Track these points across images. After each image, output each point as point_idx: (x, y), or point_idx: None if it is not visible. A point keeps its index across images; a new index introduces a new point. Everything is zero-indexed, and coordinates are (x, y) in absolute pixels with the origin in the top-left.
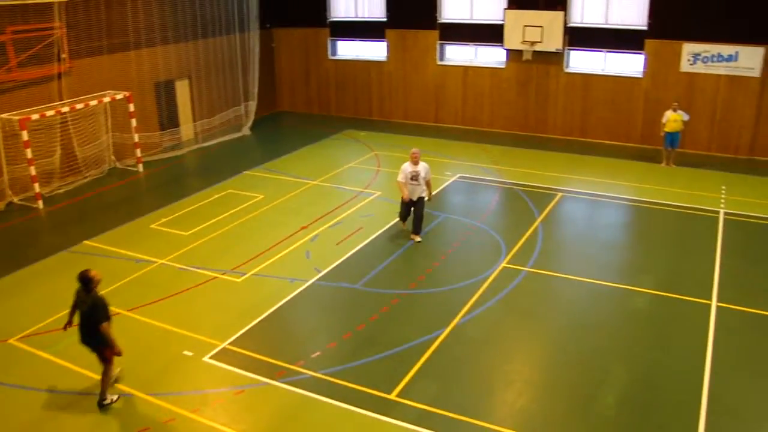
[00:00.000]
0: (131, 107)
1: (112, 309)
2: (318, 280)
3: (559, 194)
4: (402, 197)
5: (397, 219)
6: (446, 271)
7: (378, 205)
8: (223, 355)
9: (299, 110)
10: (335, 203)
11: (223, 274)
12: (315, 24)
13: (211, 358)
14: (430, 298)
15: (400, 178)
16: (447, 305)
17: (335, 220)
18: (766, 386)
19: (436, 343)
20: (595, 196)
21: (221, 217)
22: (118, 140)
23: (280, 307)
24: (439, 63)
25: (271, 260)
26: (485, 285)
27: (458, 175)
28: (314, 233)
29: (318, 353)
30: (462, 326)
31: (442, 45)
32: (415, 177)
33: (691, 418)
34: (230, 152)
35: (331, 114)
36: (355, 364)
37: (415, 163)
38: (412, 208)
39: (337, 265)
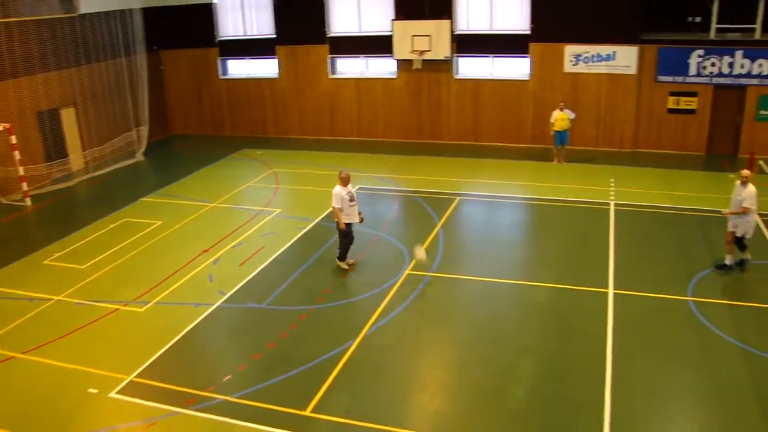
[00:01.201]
0: (13, 139)
1: (5, 353)
2: (223, 302)
3: (457, 198)
4: (339, 227)
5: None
6: (352, 282)
7: (279, 223)
8: (130, 389)
9: (193, 132)
10: (236, 224)
11: (124, 305)
12: (203, 44)
13: (118, 393)
14: (338, 310)
15: (336, 203)
16: (355, 316)
17: (237, 241)
18: (665, 365)
19: (347, 355)
20: (491, 198)
21: (119, 246)
22: (1, 174)
23: (187, 333)
24: (331, 77)
25: (173, 287)
26: (391, 293)
27: (357, 187)
28: (216, 256)
29: (229, 377)
30: (371, 336)
31: (333, 59)
32: (352, 198)
33: (597, 403)
34: (124, 180)
35: (225, 134)
36: (267, 384)
37: (347, 183)
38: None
39: (242, 286)
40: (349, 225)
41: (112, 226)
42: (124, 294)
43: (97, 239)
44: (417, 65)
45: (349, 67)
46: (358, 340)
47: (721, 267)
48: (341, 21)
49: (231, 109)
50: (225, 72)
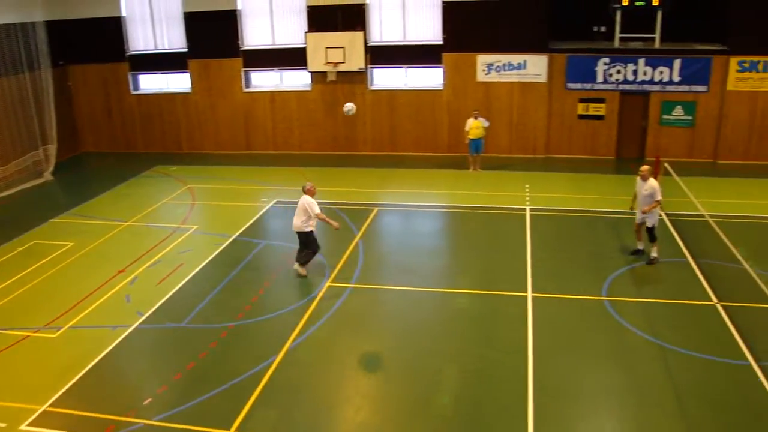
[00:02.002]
0: None
1: None
2: (141, 323)
3: (376, 209)
4: (335, 228)
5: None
6: (272, 297)
7: (196, 240)
8: (43, 420)
9: (104, 150)
10: (152, 242)
11: (35, 331)
12: (113, 59)
13: (29, 425)
14: (259, 326)
15: (318, 209)
16: (277, 331)
17: (153, 260)
18: (584, 364)
19: (270, 371)
20: (409, 207)
21: (28, 270)
22: None
23: (104, 357)
24: (246, 90)
25: (88, 310)
26: (312, 306)
27: (275, 201)
28: (133, 276)
29: (149, 399)
30: (294, 350)
31: (246, 72)
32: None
33: (521, 405)
34: (32, 200)
35: (138, 151)
36: (189, 405)
37: (313, 194)
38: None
39: (160, 306)
40: (311, 232)
41: (20, 249)
42: (35, 320)
43: (3, 263)
44: (331, 77)
45: (264, 80)
46: (281, 355)
47: (636, 252)
48: (255, 34)
49: (143, 125)
50: (136, 87)
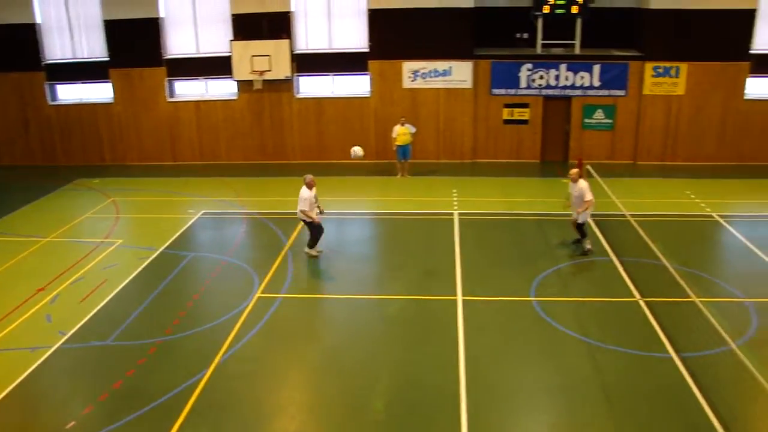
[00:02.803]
0: None
1: None
2: (64, 343)
3: None
4: (313, 222)
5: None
6: (201, 310)
7: (121, 254)
8: None
9: (21, 163)
10: (74, 258)
11: None
12: (28, 68)
13: None
14: (189, 340)
15: (305, 206)
16: (207, 344)
17: (76, 276)
18: (515, 365)
19: (201, 386)
20: (339, 215)
21: None
22: None
23: (23, 381)
24: (170, 100)
25: (5, 331)
26: (242, 318)
27: (202, 212)
28: (54, 294)
29: (73, 423)
30: (225, 363)
31: (170, 81)
32: (315, 200)
33: (453, 407)
34: None
35: (58, 164)
36: (116, 426)
37: (312, 187)
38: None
39: (83, 324)
40: (309, 222)
41: None
42: None
43: None
44: (257, 86)
45: (188, 89)
46: (212, 369)
47: (577, 241)
48: (178, 43)
49: (63, 136)
50: (54, 97)
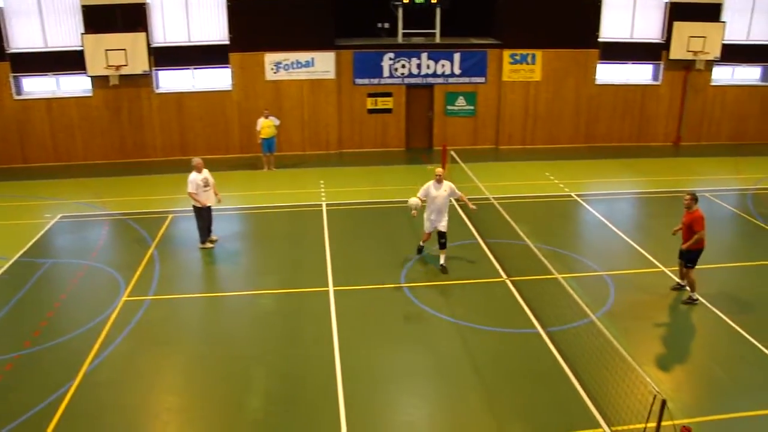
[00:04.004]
0: None
1: None
2: None
3: (170, 216)
4: (200, 206)
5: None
6: (63, 319)
7: None
8: None
9: None
10: None
11: None
12: None
13: None
14: (51, 352)
15: (192, 188)
16: (71, 355)
17: None
18: (390, 351)
19: (67, 399)
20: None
21: None
22: None
23: None
24: (17, 98)
25: None
26: (109, 324)
27: (60, 216)
28: None
29: None
30: (93, 372)
31: (17, 78)
32: (207, 183)
33: (331, 398)
34: None
35: None
36: None
37: (201, 170)
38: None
39: None
40: (208, 208)
41: None
42: None
43: None
44: (114, 81)
45: (38, 86)
46: (78, 380)
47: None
48: (23, 36)
49: None
50: None
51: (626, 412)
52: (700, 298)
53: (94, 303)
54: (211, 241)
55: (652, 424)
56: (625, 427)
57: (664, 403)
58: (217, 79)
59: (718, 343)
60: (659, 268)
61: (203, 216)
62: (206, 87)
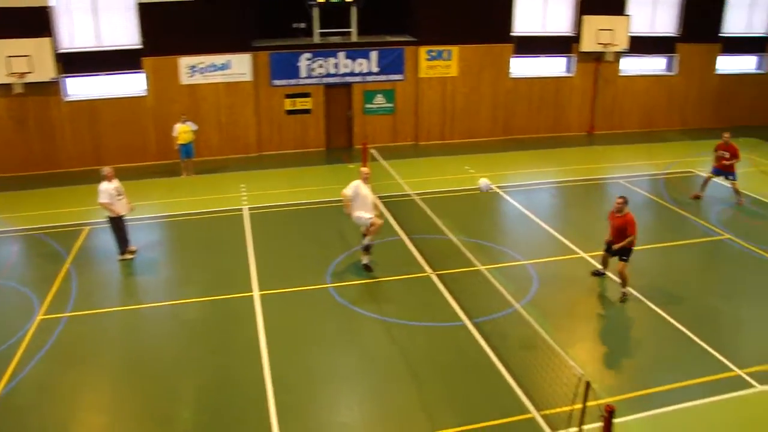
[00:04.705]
0: None
1: None
2: None
3: (87, 228)
4: (115, 216)
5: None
6: None
7: None
8: None
9: None
10: None
11: None
12: None
13: None
14: None
15: (104, 199)
16: None
17: None
18: (320, 353)
19: None
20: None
21: None
22: None
23: None
24: None
25: None
26: (23, 346)
27: None
28: None
29: None
30: (7, 397)
31: None
32: (120, 192)
33: (262, 405)
34: None
35: None
36: None
37: (112, 179)
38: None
39: None
40: (120, 217)
41: None
42: None
43: None
44: (18, 89)
45: None
46: None
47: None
48: None
49: None
50: None
51: (554, 396)
52: (614, 277)
53: (5, 325)
54: (131, 252)
55: (579, 406)
56: (554, 411)
57: (588, 385)
58: (130, 84)
59: (637, 322)
60: (579, 254)
61: (120, 226)
62: (119, 93)
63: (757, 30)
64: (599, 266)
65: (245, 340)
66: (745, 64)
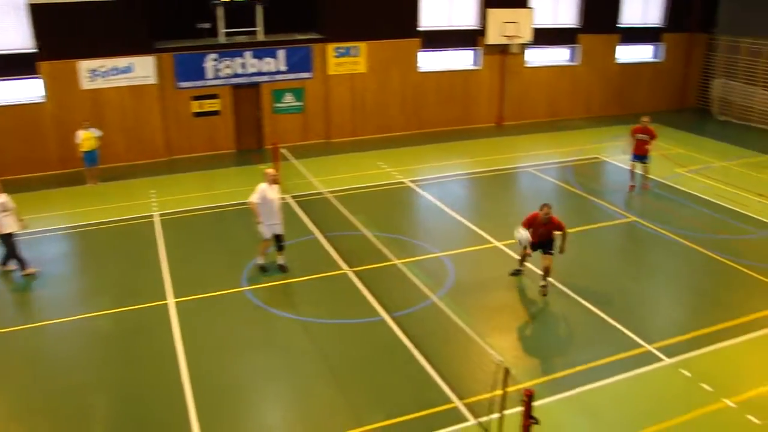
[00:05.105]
0: None
1: None
2: None
3: None
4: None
5: None
6: None
7: None
8: None
9: None
10: None
11: None
12: None
13: None
14: None
15: None
16: None
17: None
18: (239, 357)
19: None
20: (29, 235)
21: None
22: None
23: None
24: None
25: None
26: None
27: None
28: None
29: None
30: None
31: None
32: (5, 208)
33: (182, 413)
34: None
35: None
36: None
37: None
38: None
39: None
40: (9, 235)
41: None
42: None
43: None
44: None
45: None
46: None
47: (262, 269)
48: None
49: None
50: None
51: (475, 384)
52: (532, 267)
53: None
54: (28, 273)
55: (499, 392)
56: (475, 399)
57: (507, 371)
58: (26, 91)
59: (552, 306)
60: (493, 243)
61: (8, 244)
62: (14, 100)
63: (652, 21)
64: (520, 267)
65: (162, 349)
66: (642, 53)
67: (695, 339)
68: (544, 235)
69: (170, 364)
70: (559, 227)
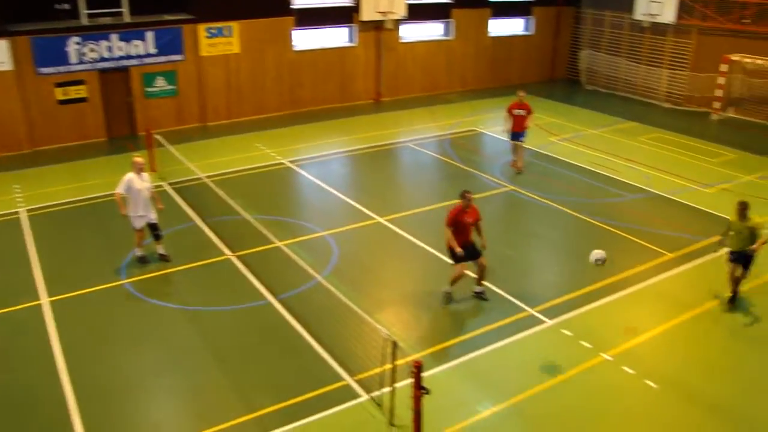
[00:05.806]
0: None
1: None
2: None
3: None
4: None
5: None
6: None
7: None
8: None
9: None
10: None
11: None
12: None
13: None
14: None
15: None
16: None
17: None
18: (121, 353)
19: None
20: None
21: None
22: None
23: None
24: None
25: None
26: None
27: None
28: None
29: None
30: None
31: None
32: None
33: (64, 417)
34: None
35: None
36: None
37: None
38: None
39: None
40: None
41: None
42: None
43: None
44: None
45: None
46: None
47: (163, 257)
48: None
49: None
50: None
51: (365, 360)
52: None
53: None
54: None
55: (389, 366)
56: (366, 374)
57: (395, 344)
58: None
59: (434, 277)
60: (375, 219)
61: None
62: None
63: None
64: (477, 286)
65: (38, 353)
66: (514, 26)
67: (574, 300)
68: (470, 232)
69: (48, 366)
70: (478, 214)
